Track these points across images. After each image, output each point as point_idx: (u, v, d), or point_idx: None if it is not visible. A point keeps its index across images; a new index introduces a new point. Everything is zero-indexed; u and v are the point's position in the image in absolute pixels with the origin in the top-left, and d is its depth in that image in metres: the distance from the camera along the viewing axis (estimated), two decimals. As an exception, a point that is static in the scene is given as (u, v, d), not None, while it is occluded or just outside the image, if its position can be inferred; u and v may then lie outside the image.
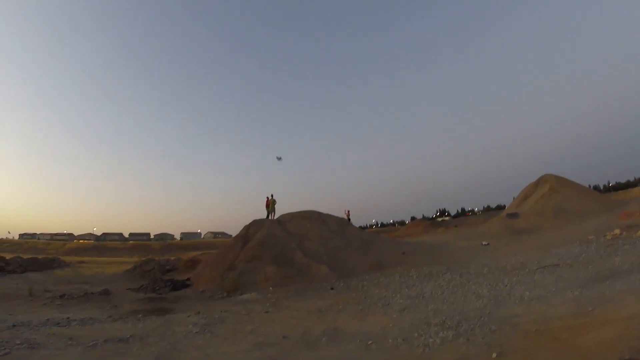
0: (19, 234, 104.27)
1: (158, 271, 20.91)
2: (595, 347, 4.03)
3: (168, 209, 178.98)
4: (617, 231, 14.98)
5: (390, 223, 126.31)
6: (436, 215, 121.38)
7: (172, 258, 28.86)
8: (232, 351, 5.81)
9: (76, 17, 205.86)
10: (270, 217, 20.81)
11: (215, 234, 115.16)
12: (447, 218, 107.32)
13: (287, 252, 15.89)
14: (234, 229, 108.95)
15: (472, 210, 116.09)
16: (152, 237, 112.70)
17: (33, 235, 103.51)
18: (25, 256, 26.20)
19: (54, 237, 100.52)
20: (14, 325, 7.33)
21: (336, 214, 22.31)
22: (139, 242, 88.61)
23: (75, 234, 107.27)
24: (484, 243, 21.14)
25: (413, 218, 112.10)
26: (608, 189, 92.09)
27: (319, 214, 21.04)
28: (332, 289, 12.01)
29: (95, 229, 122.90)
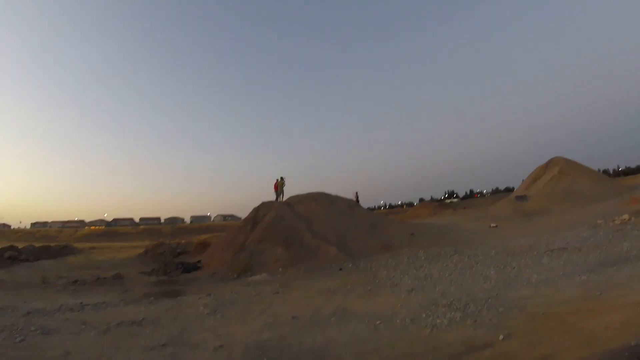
0: (31, 223, 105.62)
1: (169, 254, 21.34)
2: (602, 332, 4.04)
3: (178, 193, 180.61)
4: (626, 216, 14.81)
5: (399, 204, 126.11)
6: (444, 196, 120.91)
7: (183, 241, 29.27)
8: (243, 331, 5.93)
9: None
10: (279, 199, 20.95)
11: (225, 217, 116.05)
12: (455, 200, 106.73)
13: (296, 233, 16.00)
14: (243, 212, 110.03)
15: (481, 192, 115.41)
16: (162, 221, 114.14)
17: (44, 223, 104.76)
18: (37, 244, 26.51)
19: (66, 224, 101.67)
20: (28, 313, 7.50)
21: (346, 196, 22.41)
22: (149, 226, 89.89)
23: (87, 220, 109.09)
24: (492, 225, 21.05)
25: (421, 199, 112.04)
26: (618, 174, 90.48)
27: (328, 195, 21.12)
28: (341, 269, 12.11)
29: (106, 214, 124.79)
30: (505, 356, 3.96)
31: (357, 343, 4.97)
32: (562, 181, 33.46)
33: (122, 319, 6.97)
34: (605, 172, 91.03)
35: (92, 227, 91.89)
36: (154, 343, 5.48)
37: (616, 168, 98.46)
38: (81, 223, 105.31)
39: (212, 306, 7.89)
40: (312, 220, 17.52)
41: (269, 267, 13.43)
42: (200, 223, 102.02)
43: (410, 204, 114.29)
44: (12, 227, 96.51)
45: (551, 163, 38.40)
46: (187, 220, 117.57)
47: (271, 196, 21.43)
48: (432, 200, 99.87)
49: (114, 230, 79.38)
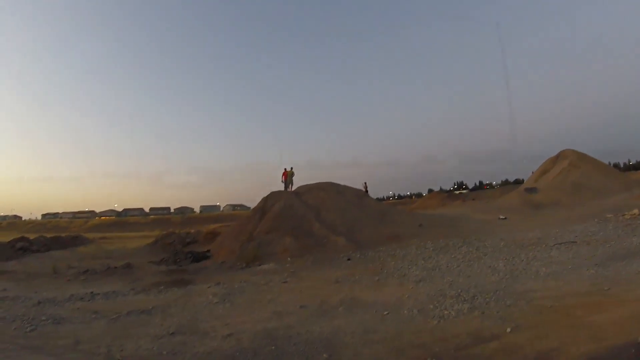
0: (42, 214, 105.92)
1: (179, 244, 21.64)
2: (609, 326, 4.02)
3: (187, 182, 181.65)
4: (635, 211, 14.60)
5: (407, 195, 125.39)
6: (453, 188, 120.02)
7: (192, 231, 29.46)
8: (251, 320, 6.03)
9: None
10: (288, 189, 21.05)
11: (234, 207, 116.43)
12: (464, 191, 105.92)
13: (304, 223, 16.07)
14: (252, 202, 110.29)
15: (490, 184, 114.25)
16: (172, 210, 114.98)
17: (55, 214, 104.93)
18: (48, 235, 26.70)
19: (76, 215, 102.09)
20: (39, 302, 7.67)
21: (354, 186, 22.41)
22: (159, 216, 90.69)
23: (97, 211, 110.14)
24: (501, 217, 20.88)
25: (430, 190, 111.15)
26: (628, 168, 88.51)
27: (336, 185, 21.12)
28: (349, 259, 12.14)
29: (116, 205, 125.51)
30: (511, 349, 3.97)
31: (365, 333, 5.02)
32: (572, 174, 32.94)
33: (132, 308, 7.12)
34: (616, 165, 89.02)
35: (103, 218, 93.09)
36: (163, 331, 5.61)
37: (627, 162, 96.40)
38: (92, 213, 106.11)
39: (221, 295, 8.02)
40: (321, 210, 17.56)
41: (277, 257, 13.55)
42: (209, 213, 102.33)
43: (419, 195, 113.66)
44: (23, 219, 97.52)
45: (561, 155, 37.77)
46: (197, 210, 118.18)
47: (280, 186, 21.58)
48: (441, 191, 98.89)
49: (124, 220, 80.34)
